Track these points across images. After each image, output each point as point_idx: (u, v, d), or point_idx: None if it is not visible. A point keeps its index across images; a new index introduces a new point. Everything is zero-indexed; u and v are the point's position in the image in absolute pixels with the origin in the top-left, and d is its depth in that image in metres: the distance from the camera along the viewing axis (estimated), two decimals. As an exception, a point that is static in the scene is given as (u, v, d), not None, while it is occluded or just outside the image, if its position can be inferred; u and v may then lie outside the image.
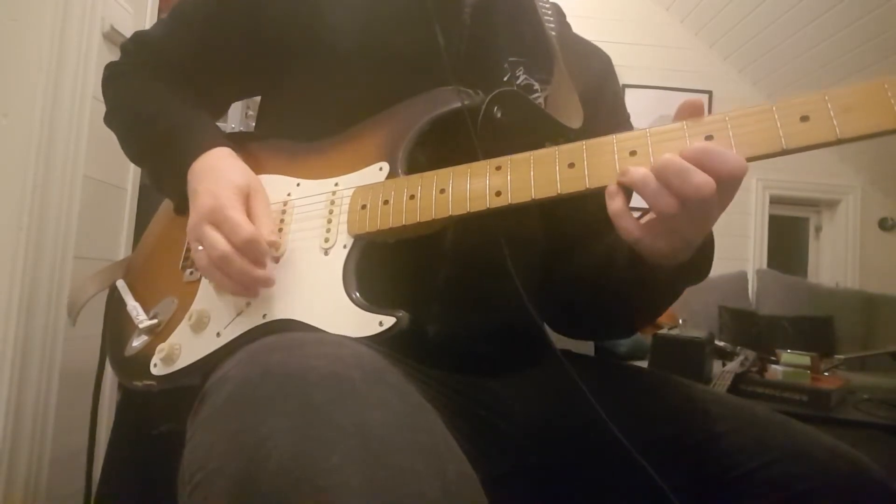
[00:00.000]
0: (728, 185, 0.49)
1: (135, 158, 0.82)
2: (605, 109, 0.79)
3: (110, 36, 1.28)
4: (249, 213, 0.63)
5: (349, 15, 0.72)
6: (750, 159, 0.49)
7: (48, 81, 1.14)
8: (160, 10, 1.49)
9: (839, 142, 0.46)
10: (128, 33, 1.30)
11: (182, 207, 0.72)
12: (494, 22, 0.75)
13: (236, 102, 1.35)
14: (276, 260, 0.64)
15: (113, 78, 0.84)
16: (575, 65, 0.75)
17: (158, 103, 0.77)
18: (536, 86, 0.74)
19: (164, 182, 0.76)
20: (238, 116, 1.87)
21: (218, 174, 0.66)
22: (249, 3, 0.75)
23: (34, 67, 1.14)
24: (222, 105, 0.88)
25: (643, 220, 0.54)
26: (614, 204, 0.53)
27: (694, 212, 0.50)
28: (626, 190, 0.53)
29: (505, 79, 0.73)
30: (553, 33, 0.77)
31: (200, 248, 0.62)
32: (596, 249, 0.71)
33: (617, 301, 0.68)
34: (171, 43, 0.80)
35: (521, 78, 0.74)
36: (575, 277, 0.73)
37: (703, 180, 0.48)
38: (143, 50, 0.82)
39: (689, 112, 0.52)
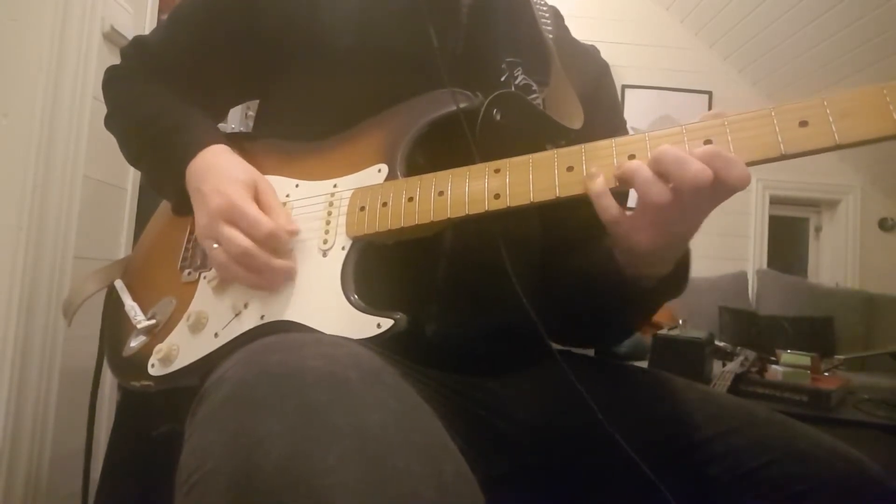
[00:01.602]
0: (723, 187, 0.49)
1: (133, 160, 0.83)
2: (601, 114, 0.79)
3: (110, 36, 1.28)
4: (261, 207, 0.64)
5: (346, 15, 0.72)
6: (749, 164, 0.49)
7: (48, 81, 1.14)
8: (160, 11, 1.49)
9: (838, 147, 0.46)
10: (128, 33, 1.30)
11: (181, 208, 0.72)
12: (491, 22, 0.75)
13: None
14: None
15: (112, 81, 0.84)
16: (572, 68, 0.75)
17: (155, 105, 0.78)
18: (534, 86, 0.74)
19: (162, 183, 0.76)
20: (238, 117, 1.87)
21: (220, 172, 0.66)
22: (245, 4, 0.75)
23: (34, 67, 1.14)
24: (222, 108, 0.88)
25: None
26: (595, 185, 0.53)
27: (686, 203, 0.50)
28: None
29: (502, 79, 0.73)
30: (550, 35, 0.77)
31: (216, 245, 0.62)
32: (589, 252, 0.71)
33: (601, 306, 0.68)
34: (169, 46, 0.80)
35: (519, 78, 0.74)
36: (569, 280, 0.73)
37: (700, 168, 0.48)
38: (142, 54, 0.82)
39: None
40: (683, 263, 0.62)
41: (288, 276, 0.62)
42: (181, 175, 0.69)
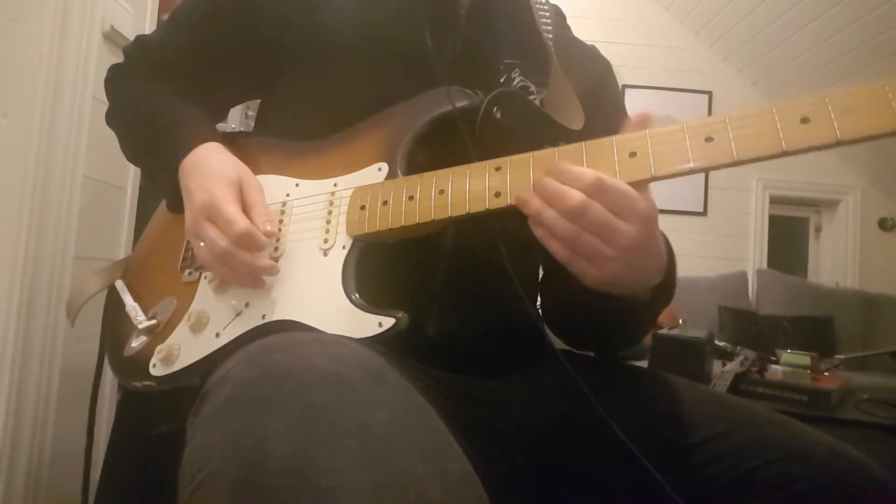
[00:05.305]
0: (604, 197, 0.51)
1: (131, 157, 0.83)
2: (602, 113, 0.78)
3: (110, 36, 1.28)
4: (244, 206, 0.64)
5: (345, 15, 0.72)
6: (751, 161, 0.49)
7: (48, 81, 1.14)
8: (160, 11, 1.49)
9: (839, 143, 0.46)
10: (128, 33, 1.30)
11: (174, 204, 0.72)
12: (490, 23, 0.75)
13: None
14: (275, 260, 0.64)
15: (114, 79, 0.85)
16: (573, 68, 0.75)
17: (153, 103, 0.78)
18: (532, 88, 0.74)
19: (157, 179, 0.76)
20: (238, 117, 1.87)
21: (208, 169, 0.67)
22: (244, 4, 0.75)
23: (34, 67, 1.14)
24: (222, 107, 0.88)
25: None
26: (539, 231, 0.54)
27: (596, 231, 0.51)
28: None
29: (501, 80, 0.73)
30: (549, 36, 0.77)
31: (202, 244, 0.63)
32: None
33: (592, 316, 0.67)
34: (168, 45, 0.81)
35: (517, 80, 0.74)
36: (563, 287, 0.73)
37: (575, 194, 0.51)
38: (143, 52, 0.83)
39: (640, 125, 0.54)
40: (669, 276, 0.61)
41: (271, 275, 0.62)
42: (174, 172, 0.70)
